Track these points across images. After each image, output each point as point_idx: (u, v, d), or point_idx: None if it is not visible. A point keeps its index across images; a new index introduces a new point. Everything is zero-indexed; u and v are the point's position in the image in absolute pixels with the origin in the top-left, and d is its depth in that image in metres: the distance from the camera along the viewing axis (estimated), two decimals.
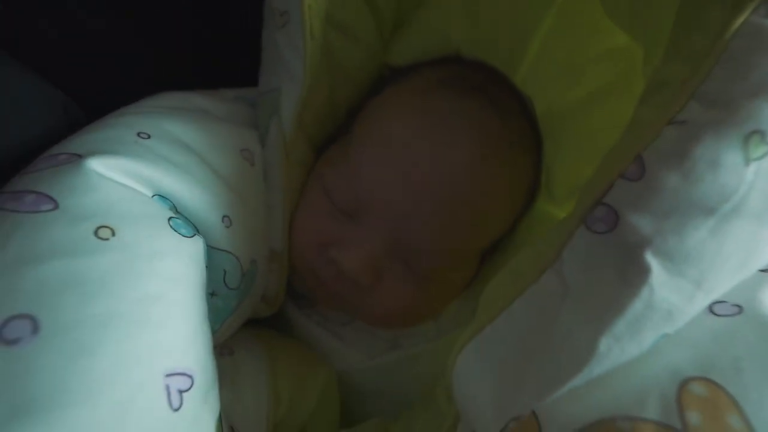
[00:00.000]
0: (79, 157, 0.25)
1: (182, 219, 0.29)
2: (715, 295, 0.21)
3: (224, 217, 0.32)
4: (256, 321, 0.42)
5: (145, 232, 0.25)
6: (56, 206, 0.23)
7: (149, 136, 0.30)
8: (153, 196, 0.28)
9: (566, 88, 0.44)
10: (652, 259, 0.20)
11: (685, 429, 0.19)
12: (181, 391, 0.22)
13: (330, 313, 0.43)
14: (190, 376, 0.23)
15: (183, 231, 0.28)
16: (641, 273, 0.20)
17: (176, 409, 0.22)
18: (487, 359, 0.25)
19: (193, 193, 0.30)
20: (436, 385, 0.34)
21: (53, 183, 0.24)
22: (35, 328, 0.18)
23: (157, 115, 0.32)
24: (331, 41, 0.38)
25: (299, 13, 0.35)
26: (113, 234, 0.23)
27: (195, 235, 0.29)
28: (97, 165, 0.25)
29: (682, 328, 0.21)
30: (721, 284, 0.21)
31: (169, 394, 0.22)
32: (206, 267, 0.30)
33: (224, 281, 0.32)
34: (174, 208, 0.29)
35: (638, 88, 0.40)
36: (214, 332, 0.32)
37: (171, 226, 0.27)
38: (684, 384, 0.20)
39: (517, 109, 0.40)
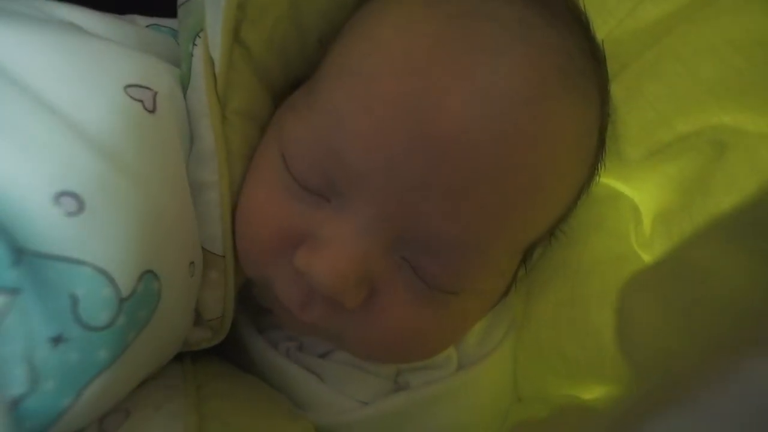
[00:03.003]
0: None
1: None
2: None
3: (61, 195, 0.18)
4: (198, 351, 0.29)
5: None
6: None
7: None
8: None
9: (635, 6, 0.31)
10: None
11: None
12: None
13: (305, 339, 0.30)
14: None
15: None
16: None
17: None
18: None
19: None
20: None
21: None
22: None
23: None
24: None
25: None
26: None
27: None
28: None
29: None
30: None
31: None
32: (22, 293, 0.17)
33: (75, 315, 0.19)
34: None
35: None
36: (63, 411, 0.19)
37: None
38: None
39: (581, 30, 0.26)
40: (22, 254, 0.17)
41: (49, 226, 0.18)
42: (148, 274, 0.21)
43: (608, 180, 0.32)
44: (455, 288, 0.24)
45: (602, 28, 0.31)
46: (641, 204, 0.32)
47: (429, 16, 0.22)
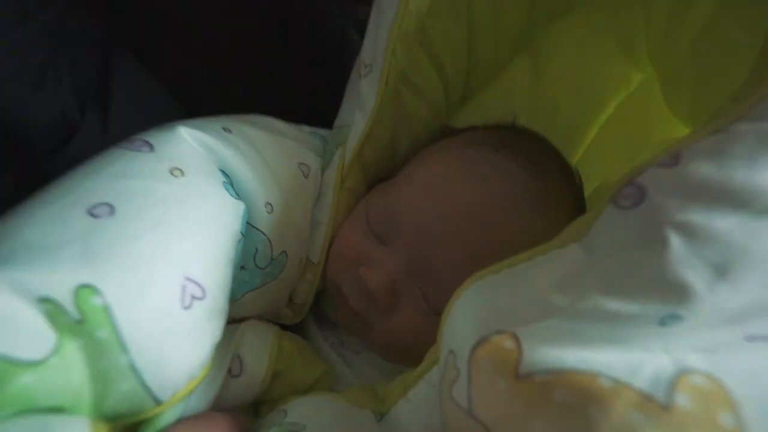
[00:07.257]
0: (175, 126, 0.35)
1: (233, 190, 0.35)
2: (745, 297, 0.20)
3: (267, 203, 0.36)
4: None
5: (204, 181, 0.32)
6: (152, 149, 0.31)
7: (230, 131, 0.38)
8: (219, 169, 0.35)
9: (624, 167, 0.45)
10: (672, 235, 0.20)
11: (669, 407, 0.19)
12: (193, 297, 0.27)
13: (346, 339, 0.43)
14: (203, 289, 0.28)
15: (231, 192, 0.34)
16: (658, 245, 0.20)
17: (185, 308, 0.26)
18: (486, 296, 0.26)
19: (246, 174, 0.36)
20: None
21: (154, 136, 0.33)
22: (111, 211, 0.26)
23: (241, 121, 0.40)
24: (403, 94, 0.44)
25: (381, 65, 0.42)
26: (182, 174, 0.31)
27: (239, 199, 0.34)
28: (185, 132, 0.34)
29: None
30: (754, 287, 0.19)
31: (183, 292, 0.27)
32: (241, 239, 0.34)
33: (254, 258, 0.36)
34: (230, 182, 0.35)
35: None
36: (234, 300, 0.35)
37: (224, 186, 0.33)
38: (686, 372, 0.19)
39: (561, 177, 0.42)
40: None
41: (259, 214, 0.35)
42: (284, 253, 0.38)
43: None
44: None
45: (598, 179, 0.45)
46: None
47: (456, 159, 0.41)
